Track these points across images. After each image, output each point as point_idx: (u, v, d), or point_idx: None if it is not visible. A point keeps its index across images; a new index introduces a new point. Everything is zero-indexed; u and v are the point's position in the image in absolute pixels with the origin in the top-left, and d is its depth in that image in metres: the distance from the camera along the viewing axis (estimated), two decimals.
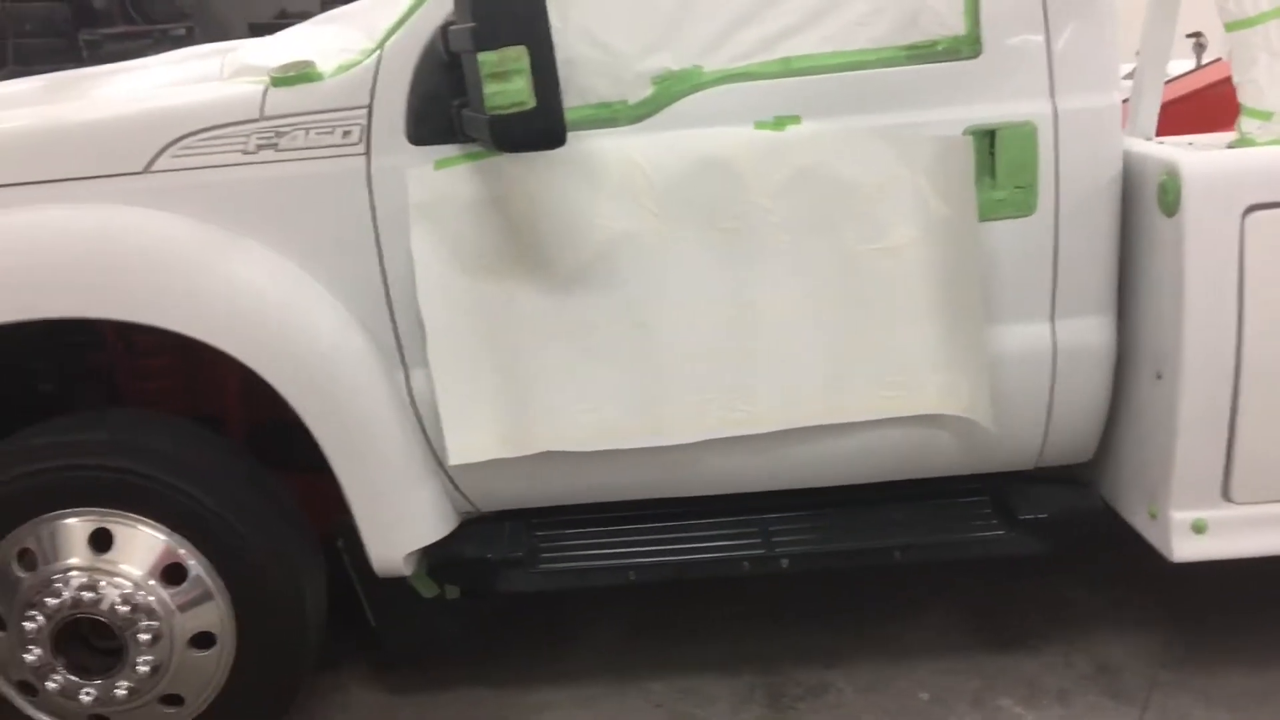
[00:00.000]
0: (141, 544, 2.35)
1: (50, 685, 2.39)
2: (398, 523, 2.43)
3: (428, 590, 2.61)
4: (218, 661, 2.41)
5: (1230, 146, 2.41)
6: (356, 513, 2.40)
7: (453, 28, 2.18)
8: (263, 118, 2.29)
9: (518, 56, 2.02)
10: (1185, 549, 2.35)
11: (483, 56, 2.02)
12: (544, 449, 2.38)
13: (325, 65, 2.34)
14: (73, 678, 2.39)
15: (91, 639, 2.41)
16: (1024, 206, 2.30)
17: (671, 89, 2.28)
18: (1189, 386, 2.25)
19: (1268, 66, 2.32)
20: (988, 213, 2.28)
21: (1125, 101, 2.48)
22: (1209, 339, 2.23)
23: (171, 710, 2.44)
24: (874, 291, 2.32)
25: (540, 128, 2.08)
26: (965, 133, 2.26)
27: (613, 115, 2.29)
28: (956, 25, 2.27)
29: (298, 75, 2.31)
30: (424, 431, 2.41)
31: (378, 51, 2.30)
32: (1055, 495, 2.57)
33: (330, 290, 2.33)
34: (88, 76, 3.12)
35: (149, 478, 2.33)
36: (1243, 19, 2.34)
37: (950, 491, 2.61)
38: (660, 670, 2.80)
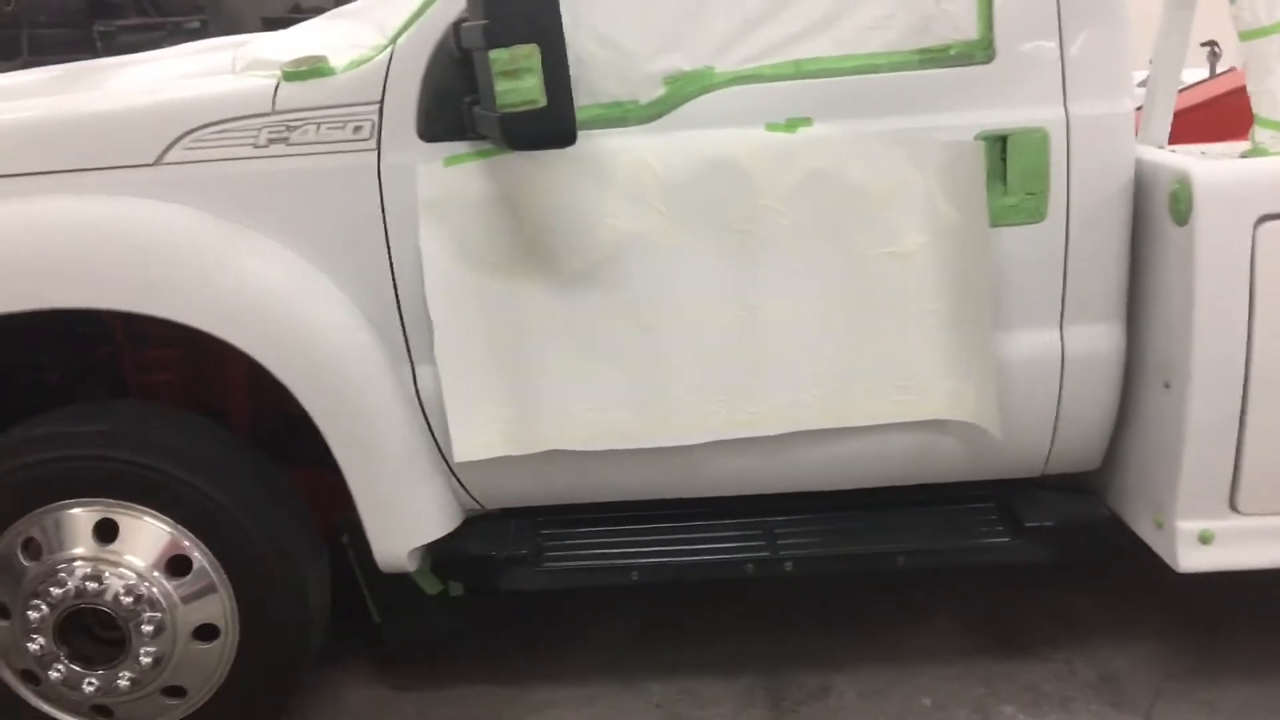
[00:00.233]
0: (146, 535, 2.36)
1: (53, 675, 2.40)
2: (402, 518, 2.43)
3: (431, 587, 2.62)
4: (220, 654, 2.42)
5: (1243, 156, 2.40)
6: (361, 508, 2.40)
7: (465, 25, 2.18)
8: (274, 112, 2.30)
9: (529, 54, 2.02)
10: (1191, 559, 2.34)
11: (494, 54, 2.02)
12: (549, 448, 2.38)
13: (337, 60, 2.34)
14: (75, 667, 2.40)
15: (95, 629, 2.42)
16: (1035, 213, 2.29)
17: (683, 89, 2.28)
18: (1197, 396, 2.24)
19: None
20: (998, 219, 2.28)
21: (1138, 109, 2.46)
22: (1218, 349, 2.22)
23: (173, 702, 2.45)
24: (883, 296, 2.31)
25: (551, 126, 2.08)
26: (977, 138, 2.25)
27: (624, 115, 2.28)
28: (970, 30, 2.27)
29: (310, 70, 2.31)
30: (430, 428, 2.41)
31: (390, 48, 2.30)
32: (1061, 503, 2.56)
33: (338, 285, 2.33)
34: (101, 68, 3.13)
35: (155, 470, 2.34)
36: (1258, 28, 2.33)
37: (956, 497, 2.60)
38: (661, 671, 2.80)
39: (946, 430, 2.42)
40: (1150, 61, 2.68)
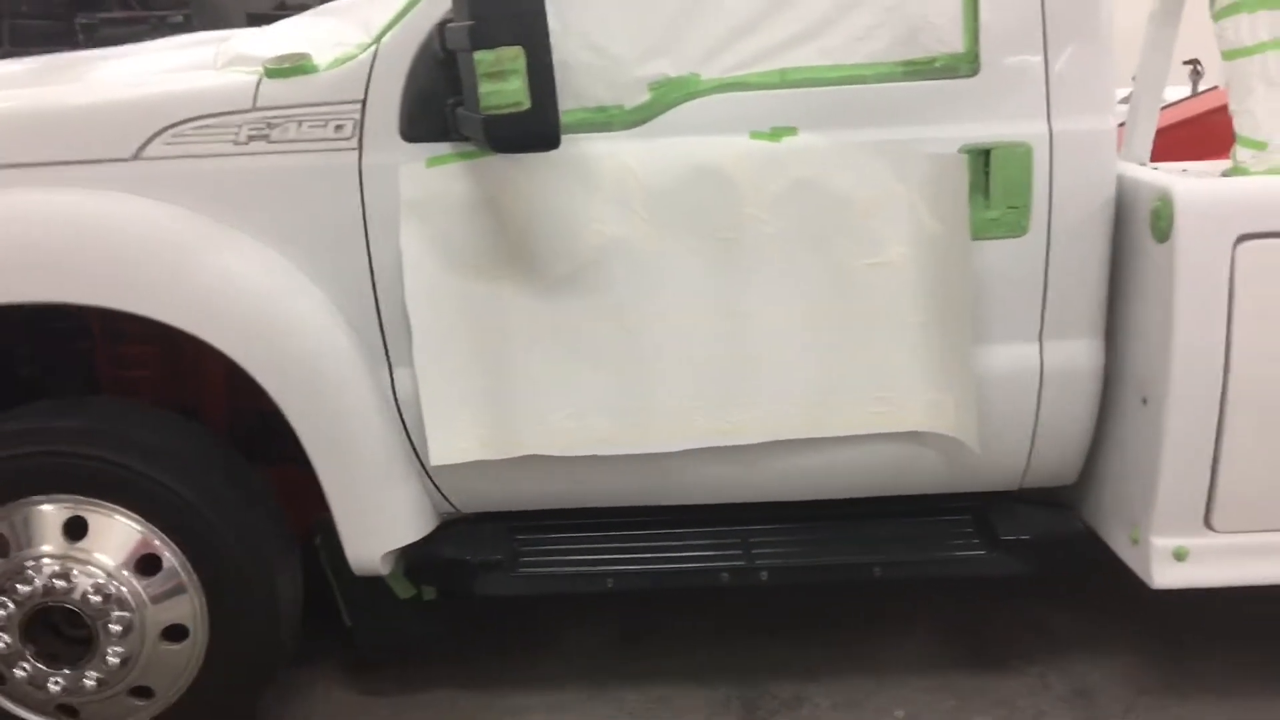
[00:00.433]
0: (116, 534, 2.33)
1: (18, 673, 2.37)
2: (376, 521, 2.42)
3: (404, 591, 2.60)
4: (189, 655, 2.39)
5: (1224, 175, 2.41)
6: (335, 510, 2.38)
7: (450, 25, 2.17)
8: (255, 109, 2.28)
9: (514, 56, 2.01)
10: (1166, 576, 2.35)
11: (479, 55, 2.01)
12: (527, 453, 2.37)
13: (320, 58, 2.32)
14: (41, 666, 2.37)
15: (62, 628, 2.39)
16: (1016, 227, 2.29)
17: (668, 95, 2.28)
18: (1175, 413, 2.25)
19: (1264, 96, 2.33)
20: (980, 232, 2.28)
21: (1121, 126, 2.47)
22: (1196, 366, 2.23)
23: (141, 702, 2.42)
24: (864, 306, 2.31)
25: (535, 129, 2.07)
26: (960, 151, 2.25)
27: (608, 120, 2.27)
28: (955, 43, 2.27)
29: (292, 67, 2.29)
30: (406, 431, 2.40)
31: (374, 47, 2.29)
32: (1038, 517, 2.57)
33: (317, 285, 2.31)
34: (81, 60, 3.10)
35: (125, 467, 2.31)
36: (1240, 48, 2.34)
37: (933, 510, 2.61)
38: (635, 679, 2.79)
39: (924, 442, 2.42)
40: (1133, 79, 2.69)
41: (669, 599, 3.00)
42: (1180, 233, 2.18)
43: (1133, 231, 2.32)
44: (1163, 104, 2.76)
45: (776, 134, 2.27)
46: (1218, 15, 2.37)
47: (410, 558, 2.50)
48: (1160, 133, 2.73)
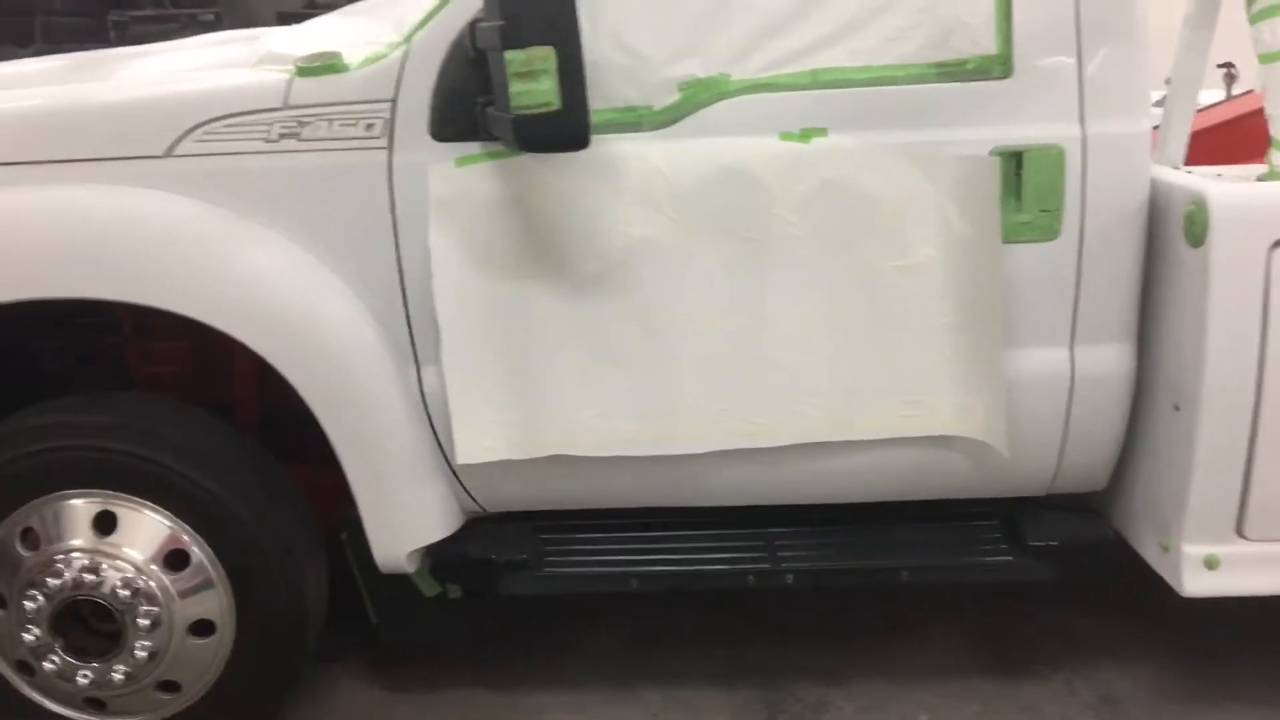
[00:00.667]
0: (145, 528, 2.35)
1: (47, 666, 2.39)
2: (403, 519, 2.42)
3: (430, 589, 2.60)
4: (216, 650, 2.40)
5: (1260, 179, 2.38)
6: (362, 507, 2.39)
7: (480, 25, 2.17)
8: (286, 107, 2.29)
9: (545, 57, 2.01)
10: (1196, 584, 2.33)
11: (510, 55, 2.01)
12: (553, 453, 2.37)
13: (351, 57, 2.33)
14: (70, 659, 2.39)
15: (91, 621, 2.40)
16: (1048, 230, 2.28)
17: (697, 96, 2.27)
18: (1207, 419, 2.23)
19: None
20: (1011, 235, 2.26)
21: (1155, 129, 2.45)
22: (1230, 372, 2.21)
23: (168, 697, 2.43)
24: (893, 309, 2.30)
25: (565, 129, 2.07)
26: (992, 153, 2.24)
27: (637, 120, 2.27)
28: (988, 45, 2.25)
29: (323, 66, 2.30)
30: (433, 429, 2.40)
31: (404, 46, 2.29)
32: (1066, 523, 2.54)
33: (346, 283, 2.32)
34: (114, 57, 3.12)
35: (155, 462, 2.32)
36: (1277, 51, 2.31)
37: (960, 514, 2.59)
38: (658, 680, 2.79)
39: (953, 446, 2.40)
40: (1168, 81, 2.66)
41: (692, 600, 2.99)
42: (1215, 237, 2.15)
43: (1166, 236, 2.29)
44: (1197, 107, 2.73)
45: (806, 135, 2.26)
46: (1255, 18, 2.35)
47: (436, 556, 2.51)
48: (1194, 136, 2.70)
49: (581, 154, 2.13)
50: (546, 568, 2.54)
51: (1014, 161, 2.25)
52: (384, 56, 2.30)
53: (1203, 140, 2.83)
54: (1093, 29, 2.24)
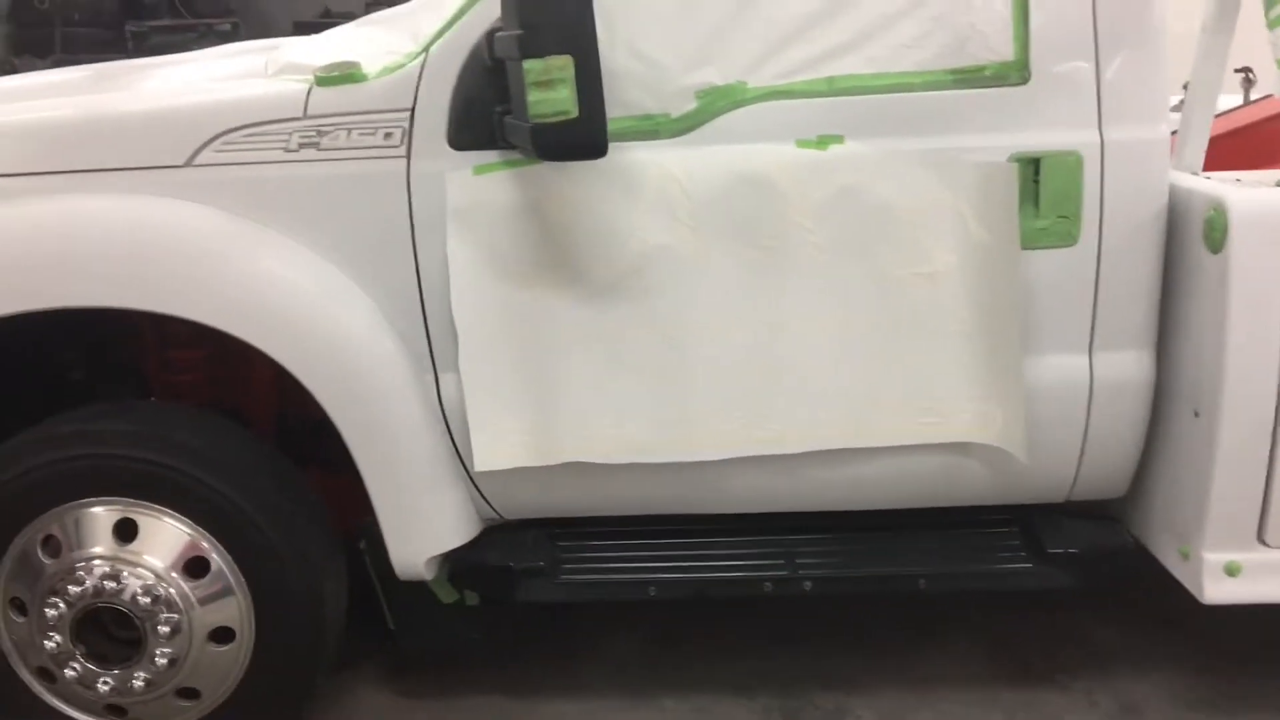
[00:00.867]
0: (165, 536, 2.36)
1: (68, 673, 2.40)
2: (421, 526, 2.43)
3: (447, 595, 2.60)
4: (236, 657, 2.41)
5: (1279, 184, 2.37)
6: (380, 514, 2.40)
7: (498, 34, 2.18)
8: (306, 116, 2.30)
9: (563, 65, 2.02)
10: (1217, 591, 2.31)
11: (528, 64, 2.02)
12: (570, 459, 2.37)
13: (370, 67, 2.34)
14: (91, 666, 2.40)
15: (111, 628, 2.42)
16: (1066, 237, 2.27)
17: (714, 104, 2.27)
18: (1227, 426, 2.22)
19: None
20: (1029, 241, 2.26)
21: (1173, 134, 2.44)
22: (1250, 378, 2.20)
23: (187, 704, 2.44)
24: (911, 316, 2.30)
25: (582, 138, 2.07)
26: (1010, 160, 2.23)
27: (655, 128, 2.28)
28: (1005, 51, 2.25)
29: (342, 75, 2.31)
30: (451, 436, 2.41)
31: (422, 55, 2.30)
32: (1085, 530, 2.53)
33: (364, 291, 2.33)
34: (133, 68, 3.15)
35: (175, 470, 2.33)
36: None
37: (978, 521, 2.58)
38: (675, 688, 2.78)
39: (971, 453, 2.39)
40: (1186, 87, 2.66)
41: (710, 608, 2.99)
42: (1234, 243, 2.15)
43: (1185, 242, 2.29)
44: (1216, 112, 2.72)
45: (823, 142, 2.26)
46: (1273, 23, 2.34)
47: (453, 563, 2.51)
48: (1213, 141, 2.69)
49: (599, 162, 2.14)
50: (563, 575, 2.54)
51: (1032, 168, 2.25)
52: (402, 66, 2.32)
53: (1221, 145, 2.82)
54: (1110, 34, 2.23)
